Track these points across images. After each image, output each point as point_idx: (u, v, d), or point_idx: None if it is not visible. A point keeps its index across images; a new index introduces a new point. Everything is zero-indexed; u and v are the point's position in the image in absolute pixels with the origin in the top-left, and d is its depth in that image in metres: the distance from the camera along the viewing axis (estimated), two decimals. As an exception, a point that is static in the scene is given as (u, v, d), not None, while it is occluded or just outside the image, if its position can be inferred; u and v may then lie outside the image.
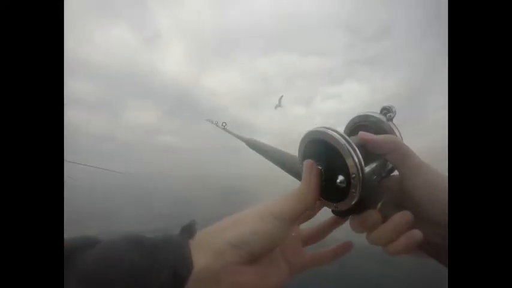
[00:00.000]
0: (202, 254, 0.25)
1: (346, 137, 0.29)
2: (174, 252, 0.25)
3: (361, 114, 0.39)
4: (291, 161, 0.41)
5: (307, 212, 0.37)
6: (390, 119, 0.37)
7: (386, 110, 0.37)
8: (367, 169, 0.29)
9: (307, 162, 0.31)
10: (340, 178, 0.29)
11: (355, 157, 0.28)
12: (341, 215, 0.36)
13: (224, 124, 0.66)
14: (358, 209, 0.31)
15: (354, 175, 0.28)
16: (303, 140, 0.33)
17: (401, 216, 0.29)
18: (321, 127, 0.31)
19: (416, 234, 0.28)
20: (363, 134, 0.32)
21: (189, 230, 0.28)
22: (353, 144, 0.28)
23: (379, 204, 0.31)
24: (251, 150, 0.53)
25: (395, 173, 0.34)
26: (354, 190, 0.28)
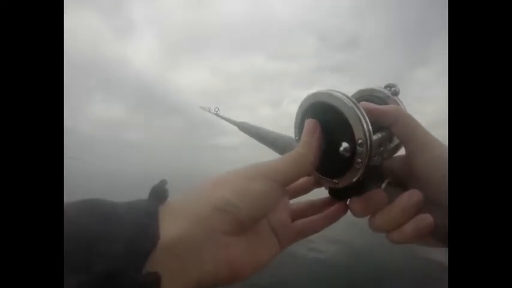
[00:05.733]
0: (177, 222, 0.21)
1: (353, 100, 0.25)
2: (133, 221, 0.20)
3: (363, 88, 0.35)
4: (285, 142, 0.38)
5: (301, 186, 0.33)
6: (396, 94, 0.33)
7: (390, 86, 0.34)
8: (374, 137, 0.25)
9: (310, 121, 0.27)
10: (344, 145, 0.25)
11: (363, 121, 0.24)
12: (339, 197, 0.31)
13: (217, 109, 0.68)
14: (360, 189, 0.27)
15: (360, 141, 0.24)
16: (301, 105, 0.29)
17: (410, 196, 0.25)
18: (323, 90, 0.27)
19: (427, 218, 0.24)
20: (365, 104, 0.29)
21: (158, 193, 0.23)
22: (361, 107, 0.25)
23: (384, 183, 0.28)
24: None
25: (399, 153, 0.31)
26: (359, 160, 0.24)
